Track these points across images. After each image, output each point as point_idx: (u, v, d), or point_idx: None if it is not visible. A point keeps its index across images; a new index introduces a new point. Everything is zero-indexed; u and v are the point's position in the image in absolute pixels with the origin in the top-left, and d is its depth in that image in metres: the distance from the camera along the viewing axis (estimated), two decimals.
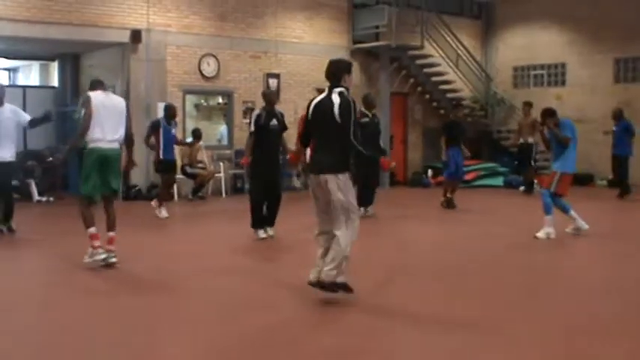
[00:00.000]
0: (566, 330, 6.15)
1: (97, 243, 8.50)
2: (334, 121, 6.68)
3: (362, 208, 13.26)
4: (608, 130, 17.49)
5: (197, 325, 6.27)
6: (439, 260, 9.46)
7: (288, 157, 10.88)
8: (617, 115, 17.26)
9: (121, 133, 8.68)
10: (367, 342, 5.80)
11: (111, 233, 8.59)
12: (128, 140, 8.98)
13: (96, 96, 8.60)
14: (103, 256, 8.44)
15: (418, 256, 9.87)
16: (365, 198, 13.28)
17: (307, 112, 7.05)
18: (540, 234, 10.92)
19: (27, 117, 11.60)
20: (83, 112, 8.59)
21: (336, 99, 6.73)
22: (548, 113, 11.24)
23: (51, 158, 8.78)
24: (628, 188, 16.91)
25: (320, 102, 6.90)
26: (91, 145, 8.50)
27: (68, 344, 5.78)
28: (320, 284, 6.78)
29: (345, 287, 6.80)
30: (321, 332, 6.17)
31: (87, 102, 8.56)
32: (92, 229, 8.52)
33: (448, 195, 14.94)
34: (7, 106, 11.40)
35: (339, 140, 6.73)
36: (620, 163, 17.05)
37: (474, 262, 9.26)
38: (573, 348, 5.69)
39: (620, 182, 17.21)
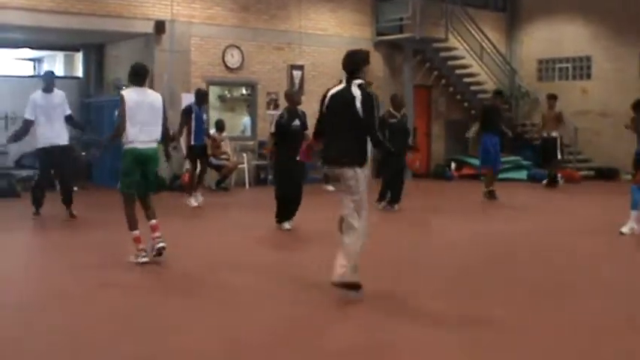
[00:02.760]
0: (586, 330, 6.04)
1: (141, 246, 8.31)
2: (356, 115, 6.54)
3: (393, 204, 13.29)
4: (628, 124, 17.28)
5: (211, 320, 6.27)
6: (459, 256, 9.35)
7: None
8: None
9: (157, 132, 8.44)
10: (379, 340, 5.74)
11: (153, 221, 8.41)
12: (165, 139, 8.77)
13: (130, 95, 8.29)
14: (145, 259, 8.22)
15: (437, 252, 9.77)
16: (394, 194, 13.29)
17: (323, 102, 6.86)
18: (625, 229, 10.80)
19: (68, 111, 11.98)
20: (117, 112, 8.30)
21: (356, 92, 6.57)
22: (636, 106, 11.13)
23: (84, 153, 8.82)
24: None
25: (338, 93, 6.72)
26: (127, 146, 8.26)
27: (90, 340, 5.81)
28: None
29: (353, 286, 6.64)
30: (333, 330, 6.15)
31: (121, 101, 8.26)
32: (136, 232, 8.35)
33: (491, 188, 14.75)
34: (57, 92, 11.85)
35: (359, 134, 6.61)
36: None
37: (496, 258, 9.21)
38: (584, 348, 5.59)
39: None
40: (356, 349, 5.52)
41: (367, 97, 6.57)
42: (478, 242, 10.31)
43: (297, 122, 10.88)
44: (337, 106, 6.69)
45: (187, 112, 13.72)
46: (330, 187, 16.22)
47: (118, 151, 8.61)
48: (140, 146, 8.26)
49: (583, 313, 6.54)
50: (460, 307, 6.71)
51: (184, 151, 14.12)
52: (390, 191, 13.41)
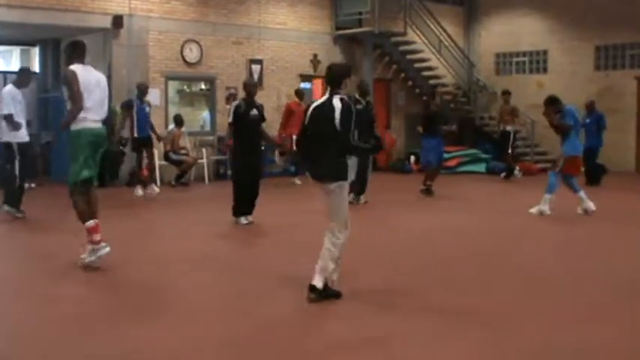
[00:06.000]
0: (543, 319, 6.16)
1: (97, 237, 7.64)
2: (335, 128, 6.46)
3: (357, 196, 13.37)
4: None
5: (189, 321, 6.26)
6: (424, 249, 9.47)
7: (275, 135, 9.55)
8: (590, 107, 17.40)
9: (105, 112, 7.94)
10: (369, 335, 5.72)
11: (96, 220, 7.73)
12: (109, 119, 8.35)
13: (79, 70, 7.74)
14: (107, 249, 7.67)
15: (405, 243, 9.90)
16: (361, 186, 13.37)
17: (305, 116, 6.80)
18: (533, 210, 11.62)
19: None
20: (68, 90, 7.65)
21: (337, 104, 6.50)
22: (548, 102, 11.96)
23: (50, 140, 8.70)
24: (599, 176, 16.99)
25: (320, 106, 6.67)
26: (80, 126, 7.64)
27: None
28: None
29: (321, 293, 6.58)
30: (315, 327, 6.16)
31: (73, 77, 7.64)
32: (91, 222, 7.67)
33: (428, 182, 14.97)
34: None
35: (339, 146, 6.51)
36: (590, 155, 16.99)
37: (460, 251, 9.31)
38: (533, 338, 5.69)
39: (590, 172, 17.01)
40: (343, 344, 5.53)
41: (347, 108, 6.50)
42: (445, 234, 10.44)
43: (254, 112, 10.89)
44: (318, 120, 6.63)
45: (128, 105, 14.03)
46: (298, 181, 16.32)
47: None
48: (94, 125, 7.76)
49: (546, 303, 6.67)
50: (441, 300, 6.74)
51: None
52: (358, 182, 13.45)
